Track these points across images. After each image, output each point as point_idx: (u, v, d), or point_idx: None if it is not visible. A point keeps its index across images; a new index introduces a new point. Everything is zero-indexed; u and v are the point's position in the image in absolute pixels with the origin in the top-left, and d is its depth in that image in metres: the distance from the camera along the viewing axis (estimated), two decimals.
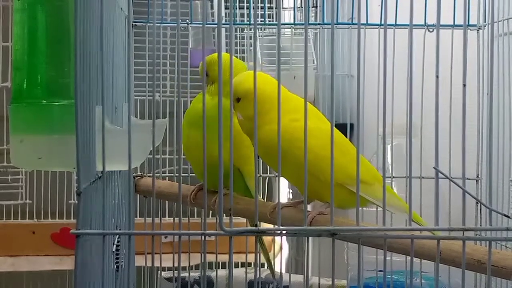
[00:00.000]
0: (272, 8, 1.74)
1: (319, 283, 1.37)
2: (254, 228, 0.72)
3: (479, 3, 1.22)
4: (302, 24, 1.36)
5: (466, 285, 0.71)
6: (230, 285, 1.41)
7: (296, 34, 1.38)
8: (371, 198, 0.92)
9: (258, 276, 1.17)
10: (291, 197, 1.71)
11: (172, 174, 1.39)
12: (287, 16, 1.73)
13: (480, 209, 1.21)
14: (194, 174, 1.21)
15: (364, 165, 0.94)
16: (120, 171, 1.03)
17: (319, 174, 0.89)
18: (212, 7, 1.75)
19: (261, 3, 1.43)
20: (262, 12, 1.33)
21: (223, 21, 1.27)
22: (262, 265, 1.74)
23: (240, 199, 1.04)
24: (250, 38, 1.38)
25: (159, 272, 1.49)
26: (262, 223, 1.16)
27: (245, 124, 0.93)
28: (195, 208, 1.66)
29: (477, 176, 1.24)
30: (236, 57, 1.77)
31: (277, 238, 1.73)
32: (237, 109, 0.92)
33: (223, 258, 1.34)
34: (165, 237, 1.61)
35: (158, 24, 1.26)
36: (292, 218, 0.94)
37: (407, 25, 0.70)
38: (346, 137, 1.31)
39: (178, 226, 0.74)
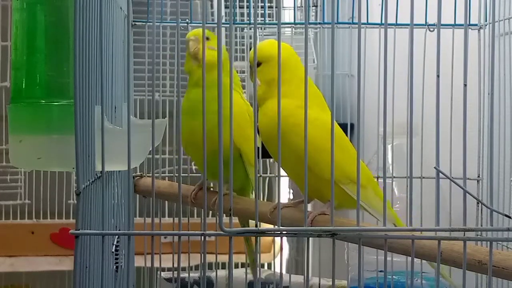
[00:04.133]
0: (272, 7, 1.73)
1: (319, 284, 1.36)
2: (254, 228, 0.72)
3: (480, 2, 1.22)
4: (303, 24, 1.36)
5: (467, 286, 0.71)
6: (230, 285, 1.41)
7: (296, 34, 1.38)
8: (363, 202, 0.89)
9: (258, 276, 1.16)
10: (291, 197, 1.71)
11: (172, 174, 1.39)
12: (287, 16, 1.72)
13: (481, 209, 1.21)
14: (194, 174, 1.20)
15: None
16: (119, 171, 1.03)
17: (314, 167, 0.85)
18: (212, 7, 1.75)
19: (261, 2, 1.43)
20: (262, 12, 1.33)
21: (223, 21, 1.27)
22: (262, 266, 1.74)
23: (240, 199, 1.04)
24: (250, 37, 1.38)
25: (158, 272, 1.48)
26: (261, 224, 1.15)
27: (260, 90, 0.90)
28: (195, 208, 1.66)
29: (478, 176, 1.24)
30: (236, 56, 1.77)
31: (277, 238, 1.73)
32: (257, 74, 0.89)
33: (223, 258, 1.33)
34: (165, 237, 1.61)
35: (158, 24, 1.25)
36: (292, 218, 0.94)
37: (408, 25, 0.70)
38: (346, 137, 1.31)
39: (178, 226, 0.74)
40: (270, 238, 1.66)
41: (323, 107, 0.94)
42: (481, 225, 1.19)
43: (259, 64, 0.90)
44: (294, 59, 0.91)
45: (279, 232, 0.74)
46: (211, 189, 1.14)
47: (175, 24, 0.74)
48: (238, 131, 0.97)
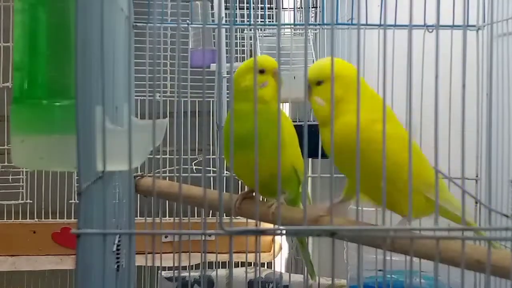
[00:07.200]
0: (272, 8, 1.74)
1: (319, 283, 1.37)
2: (254, 228, 0.73)
3: (479, 3, 1.22)
4: (302, 25, 1.37)
5: (466, 285, 0.71)
6: (230, 284, 1.42)
7: (296, 35, 1.39)
8: (448, 206, 0.88)
9: (258, 275, 1.17)
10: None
11: (172, 174, 1.39)
12: (287, 17, 1.73)
13: (480, 209, 1.21)
14: (194, 174, 1.21)
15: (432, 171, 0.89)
16: (120, 171, 1.03)
17: (398, 181, 0.82)
18: (212, 8, 1.75)
19: (261, 3, 1.43)
20: (262, 13, 1.34)
21: (223, 22, 1.27)
22: (262, 265, 1.74)
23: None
24: (250, 38, 1.39)
25: (159, 271, 1.49)
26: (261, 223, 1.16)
27: (323, 110, 0.87)
28: (195, 208, 1.67)
29: (477, 176, 1.25)
30: (236, 57, 1.78)
31: (277, 238, 1.74)
32: (316, 94, 0.87)
33: (223, 257, 1.34)
34: (166, 237, 1.62)
35: (159, 25, 1.26)
36: (293, 218, 0.94)
37: (407, 26, 0.71)
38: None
39: (178, 225, 0.75)
40: (270, 238, 1.67)
41: (397, 122, 0.91)
42: (480, 225, 1.19)
43: (319, 83, 0.87)
44: (355, 74, 0.84)
45: (279, 231, 0.74)
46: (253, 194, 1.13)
47: (176, 25, 0.74)
48: (293, 152, 1.01)
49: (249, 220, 1.15)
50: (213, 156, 1.73)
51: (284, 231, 0.77)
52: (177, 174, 1.39)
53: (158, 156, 1.33)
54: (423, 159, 0.90)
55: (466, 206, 0.89)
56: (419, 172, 0.83)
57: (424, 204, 0.88)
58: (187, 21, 1.28)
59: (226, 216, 0.94)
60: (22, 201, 1.82)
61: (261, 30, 1.38)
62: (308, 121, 0.70)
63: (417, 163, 0.78)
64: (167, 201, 1.64)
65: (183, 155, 1.50)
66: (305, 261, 1.19)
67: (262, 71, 0.99)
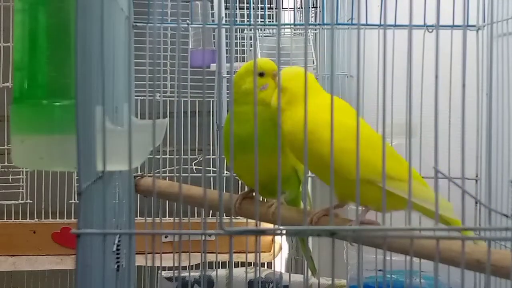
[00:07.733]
0: (272, 8, 1.74)
1: (319, 283, 1.37)
2: (254, 228, 0.73)
3: (479, 3, 1.23)
4: (302, 25, 1.37)
5: (466, 285, 0.71)
6: (230, 284, 1.42)
7: (296, 35, 1.39)
8: (417, 200, 0.86)
9: (258, 275, 1.17)
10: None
11: (172, 174, 1.39)
12: (287, 17, 1.73)
13: (480, 209, 1.21)
14: (194, 174, 1.21)
15: (397, 161, 0.90)
16: (120, 171, 1.03)
17: (340, 168, 0.83)
18: (212, 8, 1.76)
19: (261, 3, 1.44)
20: (262, 13, 1.34)
21: (223, 22, 1.27)
22: (262, 265, 1.74)
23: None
24: (250, 38, 1.39)
25: (159, 271, 1.49)
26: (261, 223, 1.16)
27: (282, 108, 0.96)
28: (195, 208, 1.67)
29: (477, 176, 1.25)
30: (236, 57, 1.78)
31: (277, 238, 1.74)
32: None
33: (223, 257, 1.34)
34: (166, 237, 1.62)
35: (159, 25, 1.26)
36: (292, 218, 0.94)
37: (407, 26, 0.71)
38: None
39: (178, 225, 0.75)
40: (270, 238, 1.67)
41: (345, 112, 0.92)
42: (480, 225, 1.19)
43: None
44: (296, 83, 0.93)
45: (279, 231, 0.74)
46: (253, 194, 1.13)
47: (176, 25, 0.74)
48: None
49: (249, 220, 1.15)
50: (213, 156, 1.73)
51: (284, 231, 0.77)
52: (177, 174, 1.39)
53: (158, 156, 1.33)
54: (378, 149, 0.84)
55: (443, 201, 0.88)
56: (368, 161, 0.83)
57: (381, 195, 0.84)
58: (187, 21, 1.28)
59: (226, 216, 0.95)
60: (22, 201, 1.82)
61: (261, 30, 1.38)
62: None
63: (365, 152, 0.77)
64: (167, 201, 1.64)
65: (183, 155, 1.50)
66: (306, 257, 1.19)
67: (261, 74, 1.00)
